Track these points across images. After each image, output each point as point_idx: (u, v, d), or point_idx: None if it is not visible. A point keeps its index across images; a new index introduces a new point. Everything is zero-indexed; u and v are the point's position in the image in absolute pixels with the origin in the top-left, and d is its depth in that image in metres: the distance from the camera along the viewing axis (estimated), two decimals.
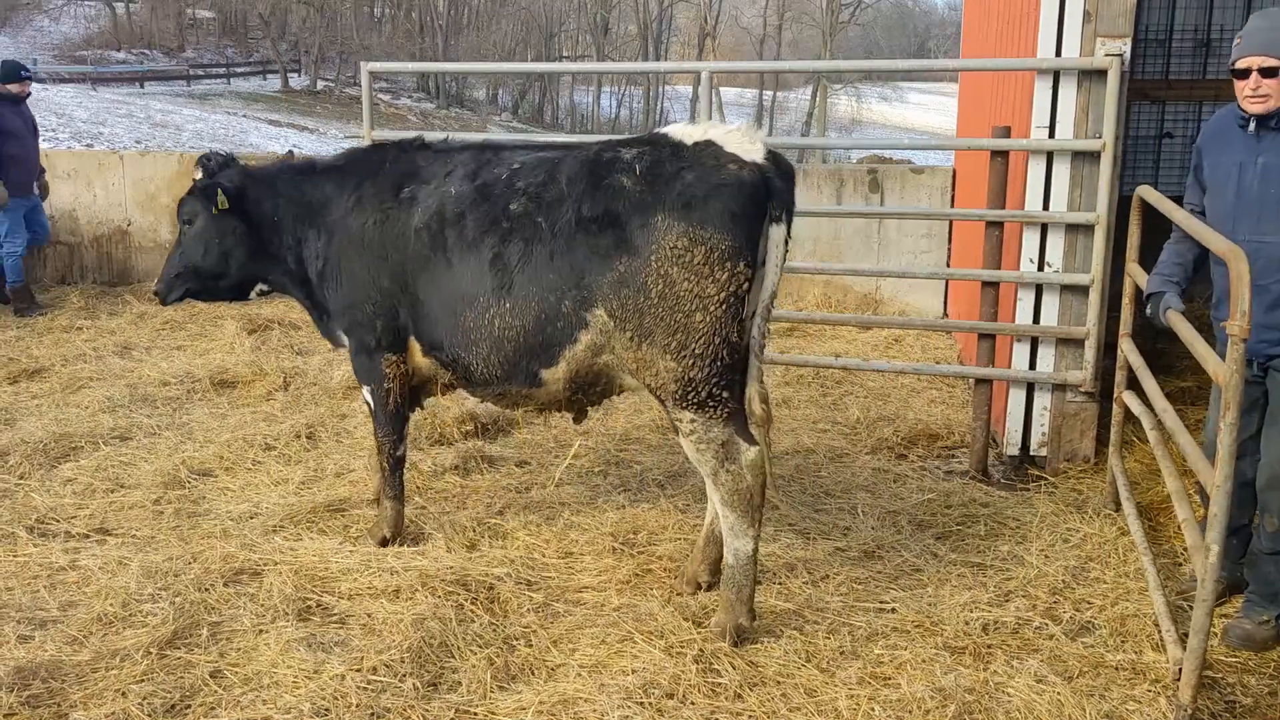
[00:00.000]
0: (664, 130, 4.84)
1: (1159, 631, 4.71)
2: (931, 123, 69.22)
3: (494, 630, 4.77)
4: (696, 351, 4.55)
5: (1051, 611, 5.02)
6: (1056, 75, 6.45)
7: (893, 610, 5.01)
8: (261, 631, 4.74)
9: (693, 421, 4.66)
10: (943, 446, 7.34)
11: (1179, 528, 5.86)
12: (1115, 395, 6.15)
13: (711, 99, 7.06)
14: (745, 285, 4.54)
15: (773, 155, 4.65)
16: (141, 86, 59.29)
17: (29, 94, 11.44)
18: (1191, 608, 5.00)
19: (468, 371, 5.26)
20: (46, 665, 4.42)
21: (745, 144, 4.62)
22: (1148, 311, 5.20)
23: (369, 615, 4.86)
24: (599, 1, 74.71)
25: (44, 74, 55.36)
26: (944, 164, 11.95)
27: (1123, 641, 4.77)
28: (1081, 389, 6.62)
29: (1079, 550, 5.65)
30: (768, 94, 71.43)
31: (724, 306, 4.51)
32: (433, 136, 5.81)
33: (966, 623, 4.87)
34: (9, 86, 11.16)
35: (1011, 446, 6.95)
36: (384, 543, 5.67)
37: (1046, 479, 6.69)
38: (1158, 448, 5.37)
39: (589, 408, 5.38)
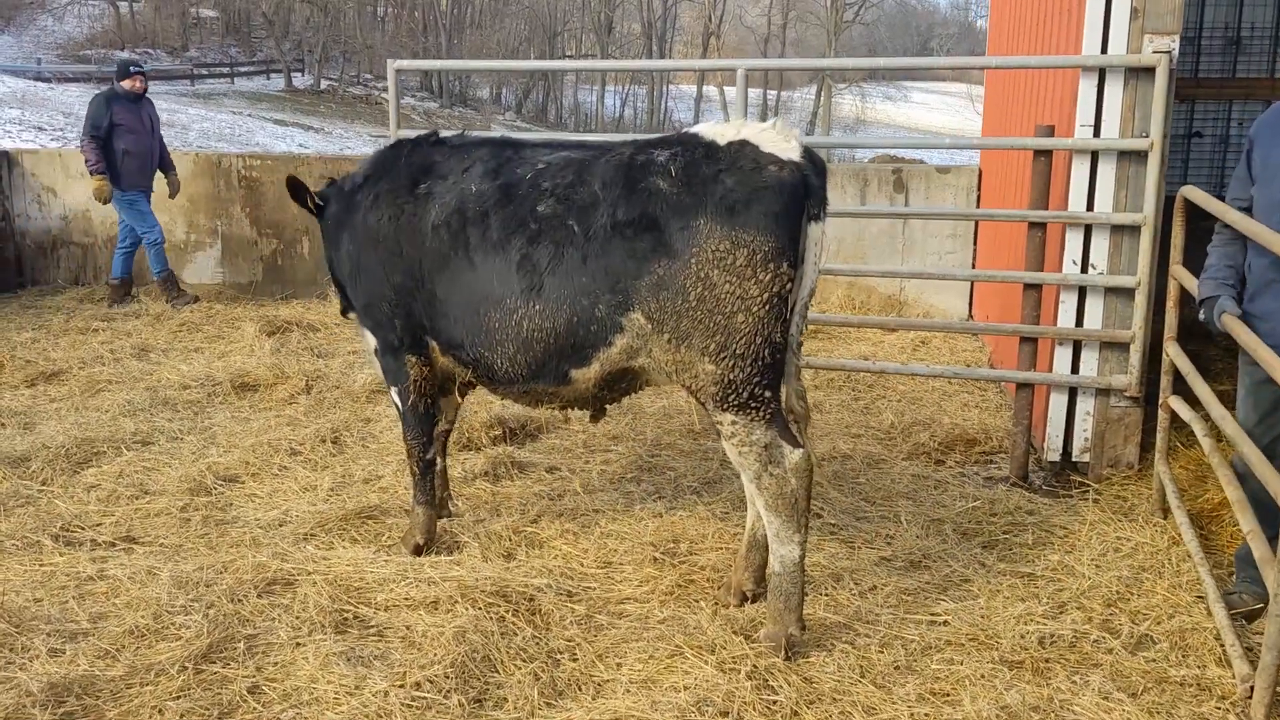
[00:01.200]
0: (695, 130, 4.74)
1: (1222, 646, 4.57)
2: (935, 122, 69.18)
3: (537, 643, 4.63)
4: (738, 353, 4.46)
5: (1108, 624, 4.87)
6: (1102, 73, 6.31)
7: (945, 623, 4.87)
8: (299, 644, 4.60)
9: (734, 424, 4.55)
10: (980, 452, 7.20)
11: (1232, 537, 5.76)
12: (1161, 401, 6.01)
13: (747, 96, 6.91)
14: (789, 285, 4.46)
15: (808, 153, 4.57)
16: None
17: (144, 90, 11.60)
18: (1246, 620, 4.91)
19: (490, 370, 5.18)
20: (80, 681, 4.27)
21: (781, 143, 4.53)
22: (1201, 316, 5.06)
23: (408, 628, 4.72)
24: (603, 0, 74.50)
25: (48, 73, 55.32)
26: (968, 164, 11.80)
27: (1185, 656, 4.61)
28: (1126, 394, 6.48)
29: (1131, 560, 5.51)
30: (771, 93, 71.19)
31: (767, 307, 4.43)
32: (447, 133, 5.70)
33: (1022, 635, 4.72)
34: (122, 83, 11.42)
35: (1052, 452, 6.81)
36: (417, 550, 5.56)
37: (1090, 486, 6.54)
38: (1212, 455, 5.22)
39: (608, 405, 5.31)
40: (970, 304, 11.14)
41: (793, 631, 4.57)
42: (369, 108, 59.40)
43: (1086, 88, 6.34)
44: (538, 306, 4.84)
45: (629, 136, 5.24)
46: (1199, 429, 5.45)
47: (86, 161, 11.24)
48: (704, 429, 7.34)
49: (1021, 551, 5.64)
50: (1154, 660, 4.58)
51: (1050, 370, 6.73)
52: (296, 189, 5.60)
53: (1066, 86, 6.76)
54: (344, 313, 6.04)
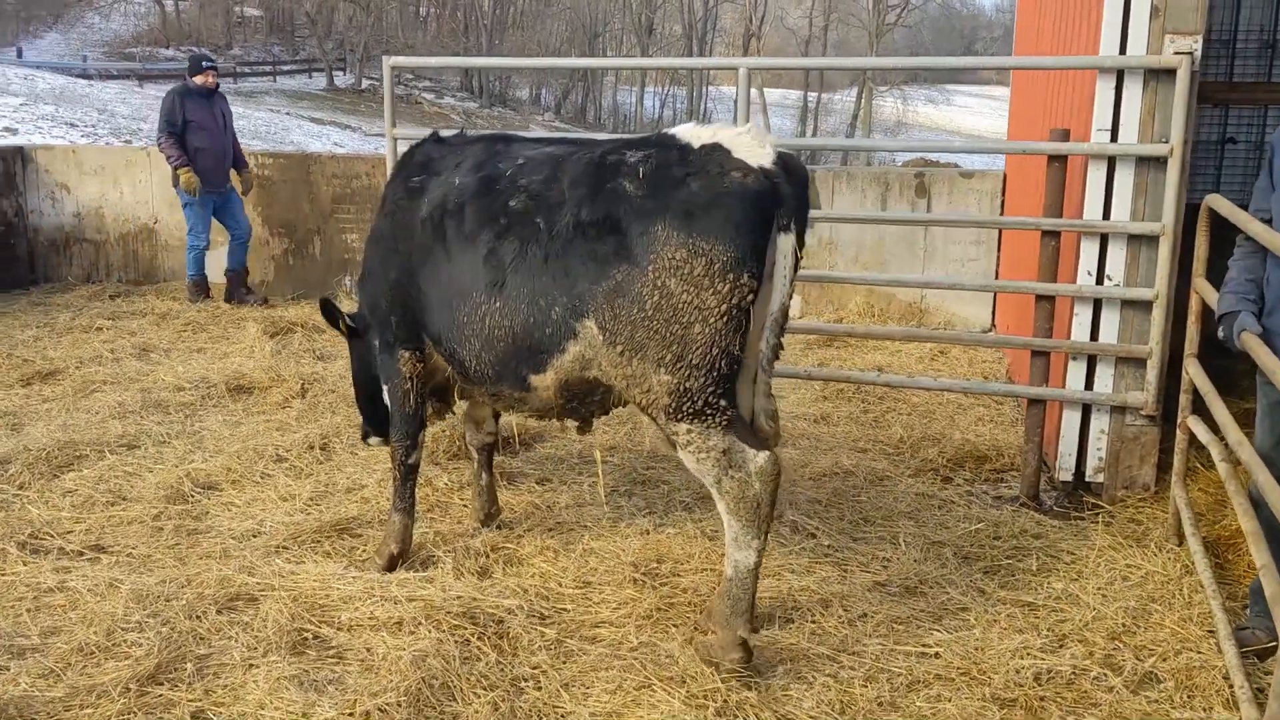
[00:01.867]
0: (673, 131, 4.54)
1: (1230, 687, 4.27)
2: (979, 125, 68.39)
3: (501, 670, 4.39)
4: (693, 363, 4.29)
5: (1110, 660, 4.58)
6: (1120, 75, 6.00)
7: (936, 655, 4.59)
8: (251, 666, 4.39)
9: (689, 432, 4.39)
10: (991, 469, 6.90)
11: (1249, 567, 5.43)
12: (1179, 421, 5.70)
13: (749, 96, 6.65)
14: (749, 297, 4.26)
15: (783, 159, 4.36)
16: None
17: (215, 85, 11.44)
18: (1259, 658, 4.59)
19: (463, 367, 5.08)
20: (15, 702, 4.09)
21: (755, 147, 4.32)
22: (1220, 334, 4.77)
23: (368, 650, 4.50)
24: (644, 1, 74.29)
25: (93, 70, 55.76)
26: (994, 168, 11.47)
27: (1190, 697, 4.32)
28: (1143, 412, 6.17)
29: (1140, 589, 5.20)
30: (812, 95, 70.72)
31: (725, 319, 4.25)
32: (447, 132, 5.54)
33: (1017, 671, 4.44)
34: (194, 80, 11.29)
35: (1064, 472, 6.50)
36: (391, 560, 5.36)
37: (1103, 508, 6.23)
38: (1229, 481, 4.90)
39: (592, 418, 5.12)
40: (993, 313, 10.82)
41: (742, 634, 4.38)
42: (409, 107, 59.41)
43: (1103, 90, 6.03)
44: (498, 304, 4.72)
45: (628, 137, 5.00)
46: (1216, 452, 5.14)
47: (168, 158, 11.07)
48: (652, 450, 7.03)
49: (1024, 578, 5.35)
50: (1156, 701, 4.30)
51: (1063, 386, 6.42)
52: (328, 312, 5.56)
53: (1083, 89, 6.45)
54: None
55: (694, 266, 4.20)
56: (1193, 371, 5.52)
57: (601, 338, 4.45)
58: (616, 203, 4.38)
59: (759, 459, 4.38)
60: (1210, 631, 4.77)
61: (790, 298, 4.38)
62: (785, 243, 4.26)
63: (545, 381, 4.75)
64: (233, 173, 11.59)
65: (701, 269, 4.20)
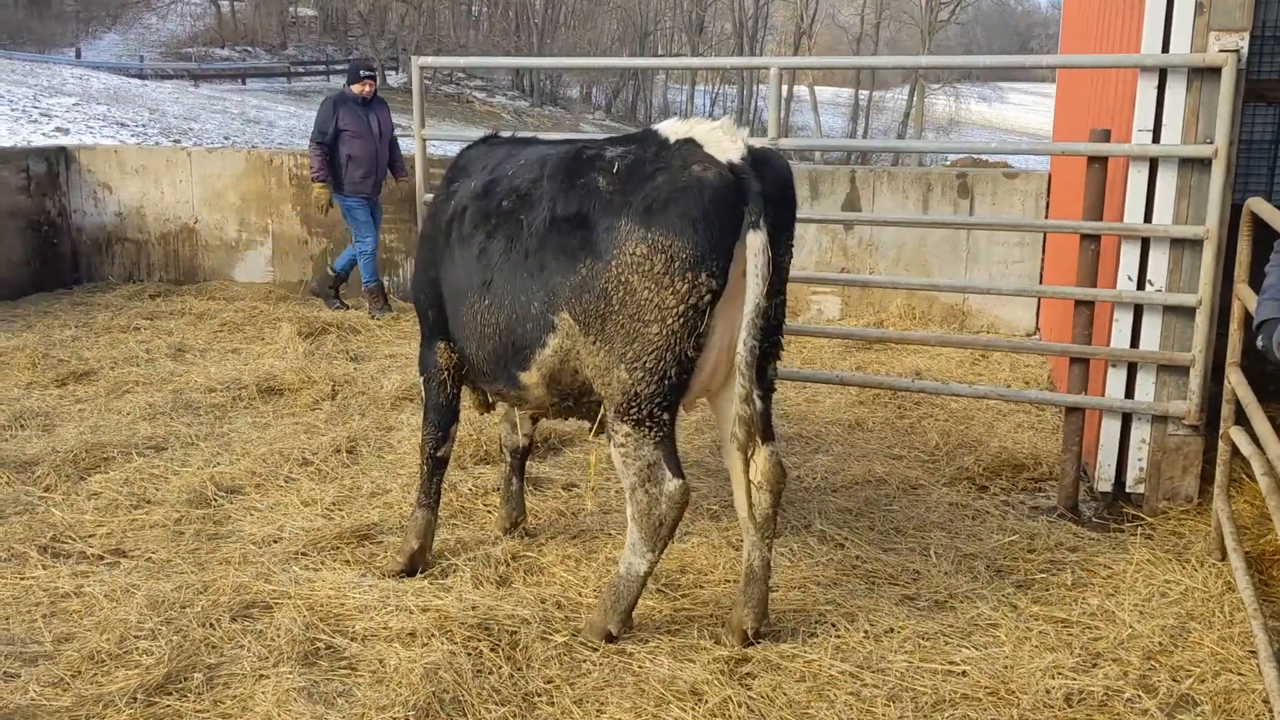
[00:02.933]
0: (656, 127, 4.50)
1: (1271, 712, 4.09)
2: (1033, 123, 67.50)
3: (514, 685, 4.29)
4: (648, 365, 4.28)
5: (1145, 681, 4.41)
6: (1163, 73, 5.81)
7: (963, 673, 4.44)
8: (262, 677, 4.32)
9: (627, 435, 4.43)
10: (1029, 478, 6.72)
11: None
12: (1221, 431, 5.52)
13: (780, 94, 6.52)
14: (707, 297, 4.20)
15: (757, 154, 4.32)
16: (243, 83, 60.05)
17: (372, 93, 11.15)
18: None
19: (470, 364, 5.14)
20: (22, 711, 4.05)
21: (725, 142, 4.26)
22: (1259, 343, 4.59)
23: (380, 661, 4.42)
24: (695, 0, 74.09)
25: (148, 71, 56.42)
26: (1040, 168, 11.25)
27: None
28: (1185, 421, 5.97)
29: (1178, 607, 5.02)
30: (864, 93, 70.18)
31: (681, 320, 4.21)
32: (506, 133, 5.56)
33: (1047, 691, 4.29)
34: (351, 87, 11.07)
35: (1104, 482, 6.31)
36: (411, 556, 5.31)
37: (1144, 520, 6.05)
38: (1270, 496, 4.73)
39: (586, 418, 5.04)
40: (1038, 317, 10.60)
41: (611, 629, 4.57)
42: (460, 105, 59.66)
43: (1145, 89, 5.84)
44: (488, 300, 4.76)
45: (617, 135, 4.94)
46: (1258, 466, 4.96)
47: (311, 168, 10.96)
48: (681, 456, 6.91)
49: (1058, 593, 5.18)
50: None
51: (1103, 393, 6.24)
52: None
53: (1125, 88, 6.26)
54: None
55: (654, 263, 4.17)
56: (1235, 380, 5.34)
57: (578, 327, 4.44)
58: (588, 198, 4.37)
59: (672, 485, 4.40)
60: (1252, 652, 4.59)
61: (769, 298, 4.25)
62: (755, 240, 4.14)
63: (533, 379, 4.75)
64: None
65: (661, 266, 4.16)
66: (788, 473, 4.74)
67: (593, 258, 4.31)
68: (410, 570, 5.26)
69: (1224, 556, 5.40)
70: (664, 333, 4.22)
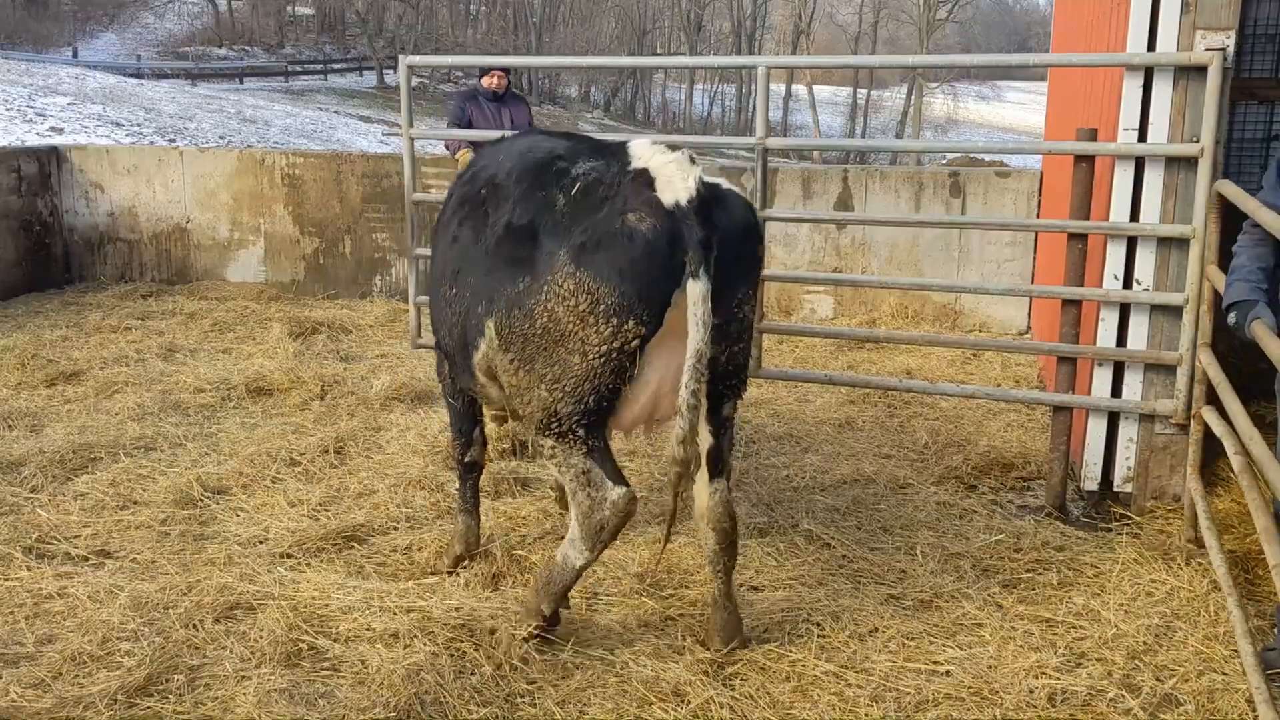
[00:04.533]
0: (629, 144, 4.39)
1: (1254, 713, 4.08)
2: (1030, 122, 67.49)
3: (496, 686, 4.28)
4: (567, 389, 4.22)
5: (1129, 680, 4.40)
6: (1149, 72, 5.80)
7: (947, 673, 4.44)
8: (243, 678, 4.31)
9: (553, 448, 4.40)
10: (1017, 478, 6.71)
11: None
12: (1193, 411, 5.62)
13: (768, 94, 6.51)
14: (634, 342, 4.11)
15: (709, 196, 4.10)
16: (240, 82, 60.09)
17: (501, 87, 10.26)
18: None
19: (445, 355, 5.14)
20: (2, 713, 4.04)
21: (676, 180, 4.07)
22: (1230, 321, 4.61)
23: (362, 662, 4.41)
24: None
25: (145, 70, 56.42)
26: (1033, 167, 11.24)
27: None
28: (1172, 420, 5.96)
29: (1164, 606, 5.01)
30: (861, 92, 70.21)
31: (603, 359, 4.13)
32: None
33: (1030, 691, 4.28)
34: (480, 82, 10.34)
35: (1091, 481, 6.30)
36: (456, 560, 5.35)
37: (1131, 519, 6.04)
38: (1242, 475, 4.76)
39: None
40: (1029, 316, 10.60)
41: (545, 610, 4.54)
42: None
43: (1131, 88, 5.83)
44: (454, 290, 4.70)
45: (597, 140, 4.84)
46: (1230, 445, 5.02)
47: (450, 153, 10.42)
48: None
49: (1044, 593, 5.17)
50: None
51: (1089, 393, 6.23)
52: None
53: (1111, 87, 6.25)
54: None
55: (580, 301, 4.09)
56: (1206, 361, 5.43)
57: (498, 342, 4.38)
58: (542, 213, 4.28)
59: (616, 492, 4.32)
60: (1236, 651, 4.58)
61: (724, 345, 4.22)
62: (694, 289, 3.97)
63: (480, 378, 4.70)
64: None
65: (587, 306, 4.08)
66: (737, 517, 4.61)
67: (531, 276, 4.20)
68: (453, 570, 5.30)
69: (1200, 546, 5.39)
70: (585, 365, 4.14)
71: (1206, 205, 5.65)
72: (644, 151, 4.25)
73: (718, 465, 4.51)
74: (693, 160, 4.15)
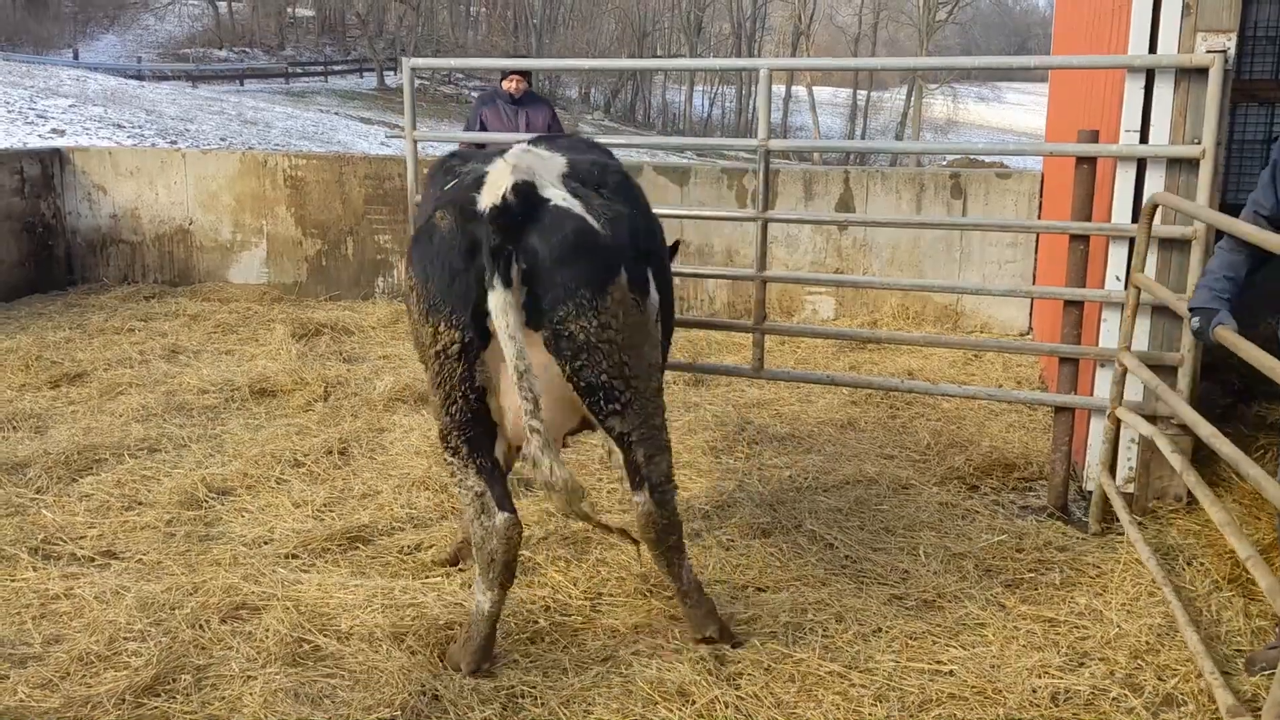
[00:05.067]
0: (515, 148, 4.44)
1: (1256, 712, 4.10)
2: (1030, 124, 67.52)
3: (497, 684, 4.30)
4: (438, 397, 4.24)
5: (1131, 680, 4.42)
6: (1150, 74, 5.82)
7: (950, 673, 4.45)
8: (250, 678, 4.33)
9: (450, 465, 4.37)
10: (1019, 478, 6.72)
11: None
12: (1109, 411, 5.93)
13: (770, 96, 6.53)
14: (454, 347, 4.07)
15: (525, 206, 4.00)
16: (241, 84, 60.12)
17: (521, 91, 10.14)
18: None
19: None
20: (10, 713, 4.06)
21: (498, 185, 4.02)
22: (1193, 326, 4.65)
23: (364, 661, 4.43)
24: (692, 0, 74.08)
25: (146, 72, 56.43)
26: (1034, 168, 11.27)
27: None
28: (1174, 421, 5.98)
29: (1166, 606, 5.02)
30: (861, 93, 70.26)
31: (440, 364, 4.13)
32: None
33: (1033, 690, 4.30)
34: (501, 84, 10.22)
35: (1093, 481, 6.32)
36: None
37: (1133, 519, 6.05)
38: (1185, 472, 5.00)
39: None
40: (1030, 316, 10.62)
41: (462, 665, 4.36)
42: (459, 106, 59.62)
43: (1132, 90, 5.86)
44: None
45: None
46: (1164, 444, 5.30)
47: None
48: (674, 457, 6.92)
49: (1046, 593, 5.19)
50: None
51: (1092, 393, 6.25)
52: None
53: (1113, 89, 6.27)
54: None
55: (410, 297, 4.16)
56: (1132, 365, 5.73)
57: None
58: (422, 209, 4.40)
59: (499, 519, 4.25)
60: (1239, 651, 4.61)
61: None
62: (493, 300, 3.90)
63: None
64: None
65: (414, 303, 4.15)
66: (660, 526, 4.47)
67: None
68: None
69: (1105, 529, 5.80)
70: (433, 370, 4.16)
71: (1209, 208, 5.67)
72: (512, 154, 4.26)
73: (635, 478, 4.43)
74: (518, 169, 4.09)
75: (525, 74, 10.13)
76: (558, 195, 4.14)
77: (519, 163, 4.16)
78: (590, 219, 4.12)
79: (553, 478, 3.97)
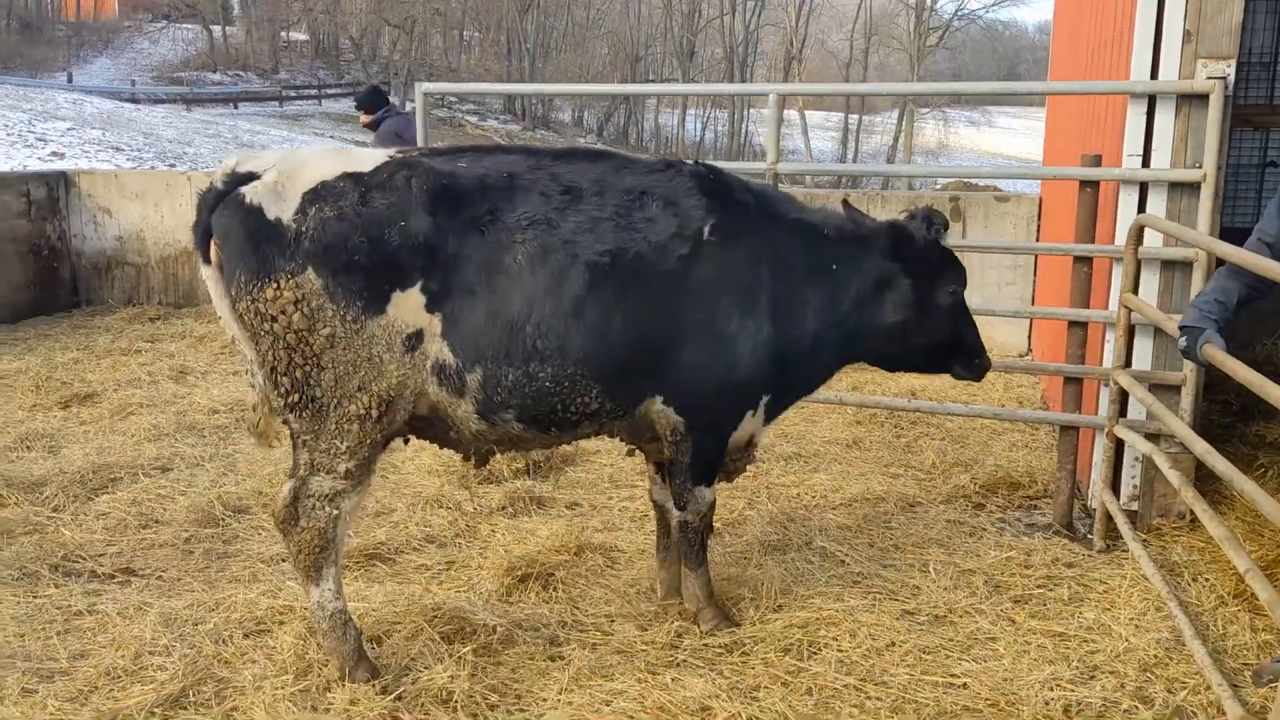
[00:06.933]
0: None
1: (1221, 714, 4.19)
2: (1021, 148, 67.86)
3: (501, 692, 4.38)
4: None
5: (1141, 692, 4.50)
6: (1152, 100, 5.95)
7: (964, 686, 4.54)
8: (272, 691, 4.39)
9: None
10: (1024, 496, 6.82)
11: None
12: (1106, 430, 6.05)
13: (780, 120, 6.65)
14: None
15: (226, 191, 4.20)
16: (235, 107, 60.19)
17: (368, 124, 10.90)
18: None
19: None
20: None
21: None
22: (1181, 346, 4.77)
23: (380, 668, 4.50)
24: (685, 25, 74.42)
25: (141, 95, 56.51)
26: (1029, 191, 11.40)
27: None
28: (1174, 439, 6.08)
29: (1173, 620, 5.11)
30: (853, 117, 70.59)
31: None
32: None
33: (1046, 703, 4.38)
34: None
35: (1097, 499, 6.41)
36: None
37: (1139, 536, 6.14)
38: (1183, 488, 5.18)
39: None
40: (1029, 338, 10.73)
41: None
42: (453, 130, 59.82)
43: (1135, 115, 5.98)
44: None
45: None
46: (1162, 462, 5.48)
47: None
48: None
49: (1055, 608, 5.28)
50: None
51: (1096, 412, 6.35)
52: None
53: (1115, 114, 6.40)
54: None
55: None
56: (1125, 383, 5.84)
57: None
58: None
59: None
60: (1245, 664, 4.70)
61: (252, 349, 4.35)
62: (205, 273, 4.32)
63: None
64: None
65: None
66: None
67: None
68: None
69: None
70: None
71: (1210, 231, 5.78)
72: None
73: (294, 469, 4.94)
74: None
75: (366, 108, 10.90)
76: (253, 188, 4.35)
77: (276, 153, 4.45)
78: None
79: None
